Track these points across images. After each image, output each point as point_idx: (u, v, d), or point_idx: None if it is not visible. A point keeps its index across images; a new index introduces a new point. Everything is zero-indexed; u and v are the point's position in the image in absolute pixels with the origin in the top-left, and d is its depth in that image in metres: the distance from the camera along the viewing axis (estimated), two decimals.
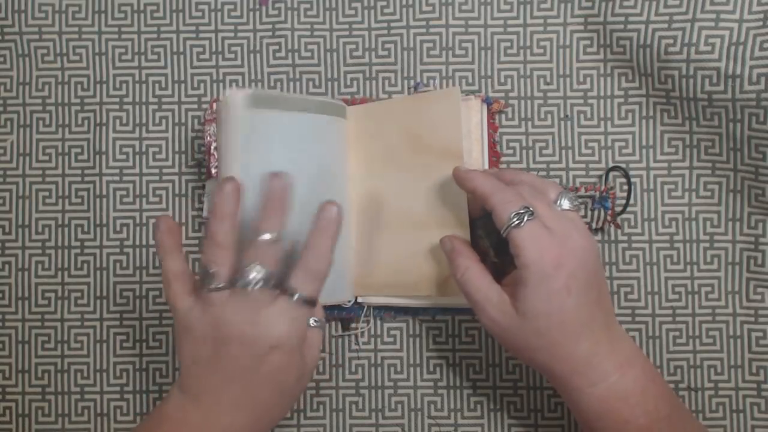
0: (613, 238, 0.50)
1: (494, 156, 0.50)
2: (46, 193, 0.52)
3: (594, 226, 0.49)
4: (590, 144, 0.51)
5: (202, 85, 0.52)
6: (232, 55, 0.52)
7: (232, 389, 0.40)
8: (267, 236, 0.40)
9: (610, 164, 0.51)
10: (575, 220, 0.42)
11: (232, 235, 0.40)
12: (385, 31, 0.51)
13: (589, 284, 0.40)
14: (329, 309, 0.50)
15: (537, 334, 0.40)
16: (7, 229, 0.52)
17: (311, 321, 0.43)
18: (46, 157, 0.52)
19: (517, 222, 0.39)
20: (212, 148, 0.49)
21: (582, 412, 0.41)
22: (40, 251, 0.52)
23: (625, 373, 0.41)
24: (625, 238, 0.50)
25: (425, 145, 0.47)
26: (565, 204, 0.42)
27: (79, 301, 0.52)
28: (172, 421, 0.41)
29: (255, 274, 0.39)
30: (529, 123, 0.51)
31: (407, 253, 0.48)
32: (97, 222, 0.52)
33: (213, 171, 0.49)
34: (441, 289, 0.47)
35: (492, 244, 0.46)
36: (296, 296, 0.40)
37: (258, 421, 0.41)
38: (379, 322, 0.51)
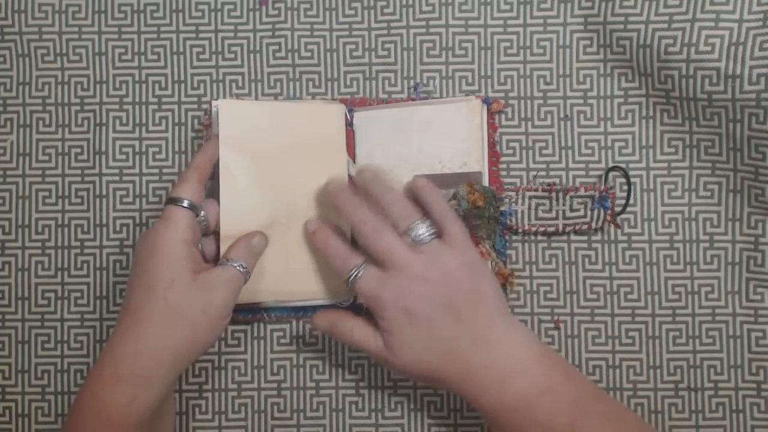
0: (613, 238, 0.50)
1: (494, 156, 0.50)
2: (46, 193, 0.52)
3: (594, 226, 0.49)
4: (590, 144, 0.51)
5: (202, 85, 0.52)
6: (232, 55, 0.52)
7: (124, 306, 0.43)
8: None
9: (610, 164, 0.51)
10: (423, 251, 0.44)
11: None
12: (385, 31, 0.51)
13: (434, 310, 0.43)
14: (329, 309, 0.50)
15: (412, 364, 0.44)
16: (7, 229, 0.52)
17: (236, 264, 0.44)
18: (46, 157, 0.52)
19: (348, 285, 0.45)
20: None
21: (483, 419, 0.45)
22: (40, 251, 0.52)
23: (506, 387, 0.42)
24: (625, 238, 0.50)
25: (307, 147, 0.49)
26: (419, 232, 0.44)
27: (79, 301, 0.52)
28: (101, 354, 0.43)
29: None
30: (529, 123, 0.51)
31: (291, 255, 0.49)
32: (97, 222, 0.52)
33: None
34: (330, 292, 0.49)
35: None
36: (182, 202, 0.43)
37: (146, 341, 0.41)
38: None
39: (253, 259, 0.46)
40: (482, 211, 0.48)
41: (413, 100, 0.51)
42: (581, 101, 0.51)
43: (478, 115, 0.49)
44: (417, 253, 0.44)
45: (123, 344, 0.41)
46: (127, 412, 0.40)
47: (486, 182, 0.49)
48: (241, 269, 0.44)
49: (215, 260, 0.47)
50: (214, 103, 0.49)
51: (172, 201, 0.44)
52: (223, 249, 0.47)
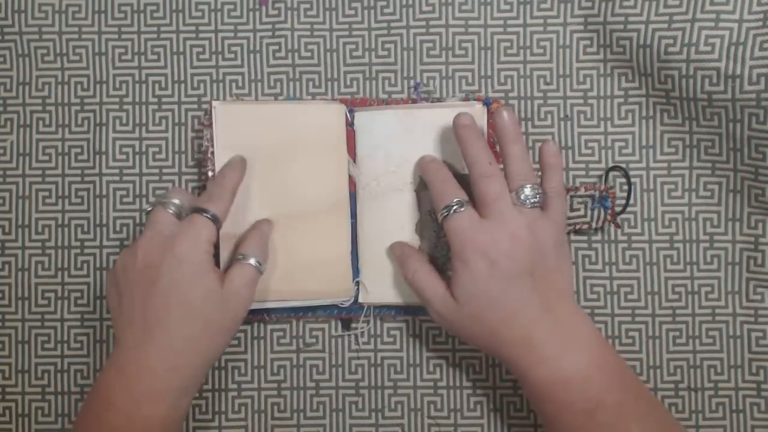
0: (613, 238, 0.50)
1: (494, 156, 0.50)
2: (46, 193, 0.52)
3: (594, 226, 0.49)
4: (590, 144, 0.51)
5: (202, 85, 0.52)
6: (232, 55, 0.52)
7: (139, 312, 0.42)
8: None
9: (610, 164, 0.51)
10: (523, 212, 0.43)
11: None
12: (385, 31, 0.51)
13: (518, 271, 0.42)
14: (329, 309, 0.50)
15: (473, 319, 0.43)
16: (7, 229, 0.52)
17: (252, 260, 0.44)
18: (46, 157, 0.52)
19: (446, 213, 0.44)
20: (209, 152, 0.49)
21: (528, 394, 0.44)
22: (40, 251, 0.52)
23: (565, 359, 0.42)
24: (625, 238, 0.50)
25: (307, 147, 0.49)
26: (527, 193, 0.43)
27: (79, 301, 0.52)
28: (104, 374, 0.42)
29: (167, 201, 0.44)
30: (529, 123, 0.51)
31: (291, 255, 0.49)
32: (97, 222, 0.52)
33: (210, 174, 0.49)
34: (330, 292, 0.49)
35: (439, 237, 0.49)
36: (206, 213, 0.43)
37: (175, 351, 0.41)
38: (379, 322, 0.51)
39: (266, 250, 0.46)
40: None
41: (413, 100, 0.51)
42: (581, 101, 0.51)
43: (481, 118, 0.49)
44: (519, 212, 0.43)
45: (160, 361, 0.41)
46: (167, 422, 0.41)
47: None
48: (258, 265, 0.44)
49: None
50: (214, 103, 0.49)
51: (199, 211, 0.43)
52: (223, 248, 0.47)
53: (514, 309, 0.42)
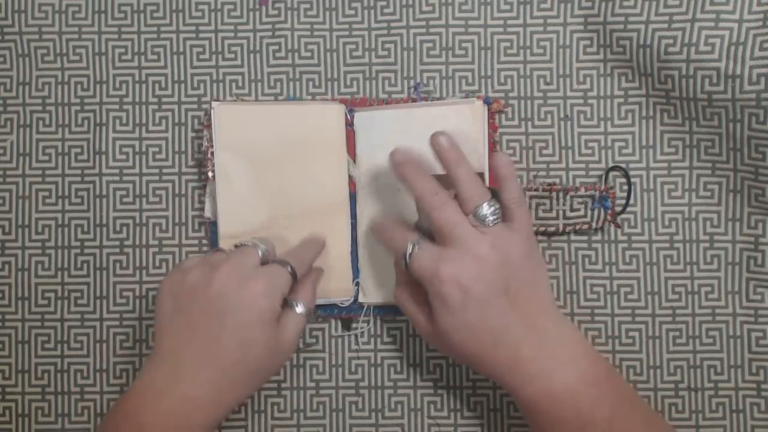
0: (613, 238, 0.50)
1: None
2: (46, 193, 0.52)
3: (594, 226, 0.49)
4: (590, 144, 0.51)
5: (202, 85, 0.52)
6: (232, 55, 0.52)
7: (198, 341, 0.41)
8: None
9: (610, 164, 0.51)
10: (485, 232, 0.43)
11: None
12: (385, 31, 0.51)
13: (492, 293, 0.42)
14: (329, 309, 0.50)
15: (455, 347, 0.43)
16: (7, 229, 0.52)
17: (298, 307, 0.44)
18: (46, 157, 0.52)
19: (405, 261, 0.43)
20: (209, 152, 0.49)
21: (520, 409, 0.44)
22: (40, 251, 0.52)
23: (553, 375, 0.41)
24: (625, 238, 0.50)
25: (307, 147, 0.49)
26: (485, 212, 0.43)
27: (79, 301, 0.52)
28: (135, 390, 0.41)
29: (257, 246, 0.44)
30: (529, 123, 0.51)
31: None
32: (97, 222, 0.52)
33: (210, 175, 0.49)
34: (329, 291, 0.50)
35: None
36: (286, 265, 0.43)
37: (220, 388, 0.41)
38: (379, 322, 0.51)
39: (315, 298, 0.47)
40: None
41: (413, 100, 0.51)
42: (581, 101, 0.51)
43: (480, 116, 0.49)
44: (481, 233, 0.42)
45: (205, 394, 0.40)
46: None
47: (486, 183, 0.49)
48: (307, 317, 0.45)
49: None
50: (214, 103, 0.49)
51: (282, 263, 0.44)
52: (222, 247, 0.47)
53: (496, 333, 0.42)
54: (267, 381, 0.45)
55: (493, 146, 0.50)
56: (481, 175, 0.49)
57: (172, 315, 0.42)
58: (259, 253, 0.44)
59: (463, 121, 0.49)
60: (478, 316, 0.42)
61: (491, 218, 0.43)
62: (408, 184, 0.44)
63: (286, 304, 0.44)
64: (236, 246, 0.45)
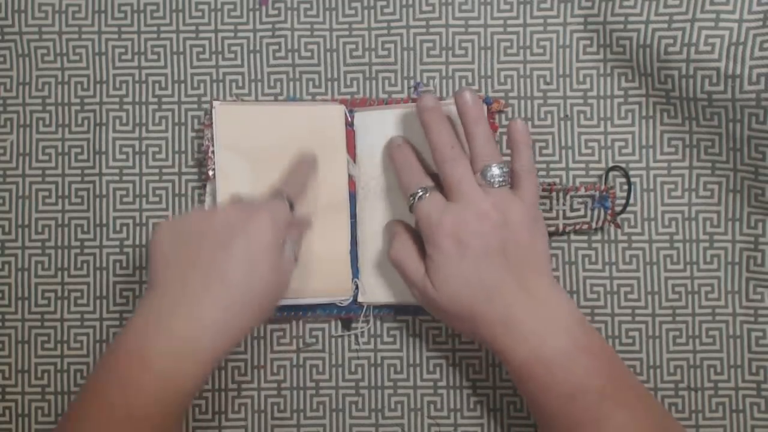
0: (613, 238, 0.50)
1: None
2: (46, 193, 0.52)
3: (594, 225, 0.49)
4: (590, 144, 0.51)
5: (202, 85, 0.52)
6: (232, 55, 0.52)
7: (199, 269, 0.40)
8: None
9: (610, 164, 0.51)
10: (489, 192, 0.43)
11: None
12: (385, 31, 0.51)
13: (488, 250, 0.42)
14: (328, 308, 0.50)
15: (451, 301, 0.43)
16: (7, 229, 0.52)
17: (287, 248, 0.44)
18: (46, 157, 0.52)
19: (412, 202, 0.45)
20: (209, 152, 0.49)
21: (511, 375, 0.43)
22: (40, 251, 0.52)
23: (545, 339, 0.41)
24: (625, 238, 0.50)
25: (307, 148, 0.49)
26: (493, 173, 0.43)
27: (79, 301, 0.52)
28: (133, 323, 0.39)
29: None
30: (529, 123, 0.51)
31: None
32: (97, 222, 0.52)
33: (211, 173, 0.49)
34: (329, 290, 0.50)
35: None
36: (285, 199, 0.44)
37: (226, 309, 0.39)
38: (379, 322, 0.51)
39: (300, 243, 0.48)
40: None
41: (413, 100, 0.51)
42: (581, 101, 0.51)
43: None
44: (486, 192, 0.43)
45: (214, 316, 0.39)
46: (199, 387, 0.39)
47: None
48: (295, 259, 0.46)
49: None
50: (215, 103, 0.49)
51: (279, 194, 0.45)
52: None
53: (489, 288, 0.42)
54: (270, 312, 0.43)
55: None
56: None
57: (174, 248, 0.41)
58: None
59: (451, 117, 0.48)
60: (473, 269, 0.42)
61: (498, 179, 0.43)
62: (427, 131, 0.45)
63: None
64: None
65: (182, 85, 0.52)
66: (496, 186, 0.43)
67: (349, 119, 0.51)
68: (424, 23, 0.51)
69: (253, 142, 0.49)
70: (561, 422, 0.41)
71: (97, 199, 0.52)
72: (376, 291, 0.50)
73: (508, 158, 0.46)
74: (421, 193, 0.44)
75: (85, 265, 0.52)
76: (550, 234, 0.50)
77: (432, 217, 0.43)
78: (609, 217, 0.49)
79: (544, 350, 0.41)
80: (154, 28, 0.52)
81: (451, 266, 0.43)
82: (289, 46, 0.52)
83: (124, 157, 0.52)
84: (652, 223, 0.50)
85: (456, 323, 0.45)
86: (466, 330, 0.45)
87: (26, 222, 0.52)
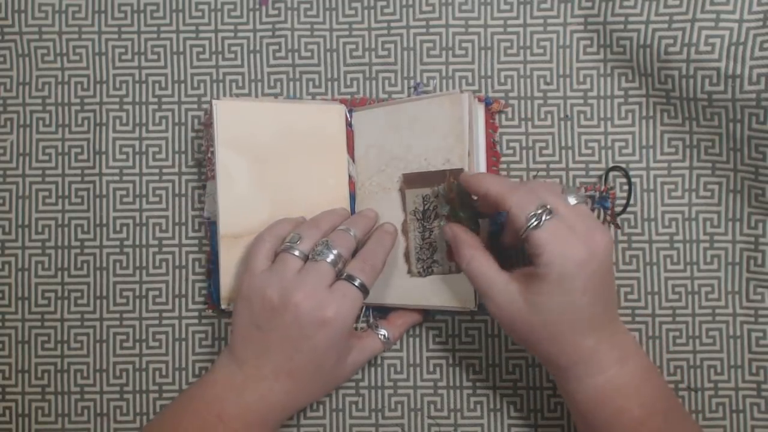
0: (613, 238, 0.50)
1: (494, 156, 0.50)
2: (46, 193, 0.52)
3: None
4: (590, 144, 0.51)
5: (202, 85, 0.52)
6: (232, 55, 0.52)
7: (276, 357, 0.43)
8: (345, 227, 0.46)
9: (610, 164, 0.51)
10: (593, 217, 0.42)
11: (331, 229, 0.46)
12: (385, 31, 0.51)
13: (603, 283, 0.41)
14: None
15: (544, 325, 0.41)
16: (7, 229, 0.52)
17: (381, 333, 0.48)
18: (46, 157, 0.52)
19: (535, 223, 0.40)
20: (209, 152, 0.49)
21: (578, 403, 0.43)
22: (40, 251, 0.52)
23: (623, 367, 0.42)
24: (625, 238, 0.50)
25: (307, 147, 0.49)
26: (572, 200, 0.42)
27: (79, 301, 0.52)
28: (216, 383, 0.44)
29: (329, 249, 0.44)
30: (529, 123, 0.51)
31: None
32: (97, 222, 0.52)
33: (210, 174, 0.49)
34: None
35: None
36: (356, 281, 0.44)
37: (294, 396, 0.44)
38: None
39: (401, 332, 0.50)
40: (457, 211, 0.47)
41: None
42: (581, 101, 0.51)
43: (461, 108, 0.46)
44: (588, 216, 0.42)
45: (279, 400, 0.44)
46: None
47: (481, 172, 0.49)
48: (386, 341, 0.49)
49: None
50: (214, 101, 0.49)
51: (352, 279, 0.44)
52: (224, 251, 0.47)
53: (589, 323, 0.41)
54: (325, 395, 0.50)
55: (493, 146, 0.50)
56: (459, 172, 0.46)
57: (250, 328, 0.44)
58: (329, 259, 0.44)
59: (441, 114, 0.47)
60: (589, 301, 0.40)
61: (582, 199, 0.43)
62: (487, 193, 0.43)
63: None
64: (295, 243, 0.45)
65: (182, 85, 0.52)
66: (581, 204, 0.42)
67: (349, 119, 0.51)
68: (424, 23, 0.51)
69: (254, 139, 0.49)
70: None
71: (97, 199, 0.52)
72: (376, 291, 0.50)
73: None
74: (544, 217, 0.40)
75: (85, 265, 0.52)
76: None
77: (558, 244, 0.39)
78: (609, 218, 0.49)
79: (620, 377, 0.42)
80: (154, 28, 0.52)
81: (571, 300, 0.40)
82: (289, 46, 0.52)
83: (124, 157, 0.52)
84: (652, 223, 0.50)
85: (530, 343, 0.43)
86: (539, 350, 0.43)
87: (26, 222, 0.52)
